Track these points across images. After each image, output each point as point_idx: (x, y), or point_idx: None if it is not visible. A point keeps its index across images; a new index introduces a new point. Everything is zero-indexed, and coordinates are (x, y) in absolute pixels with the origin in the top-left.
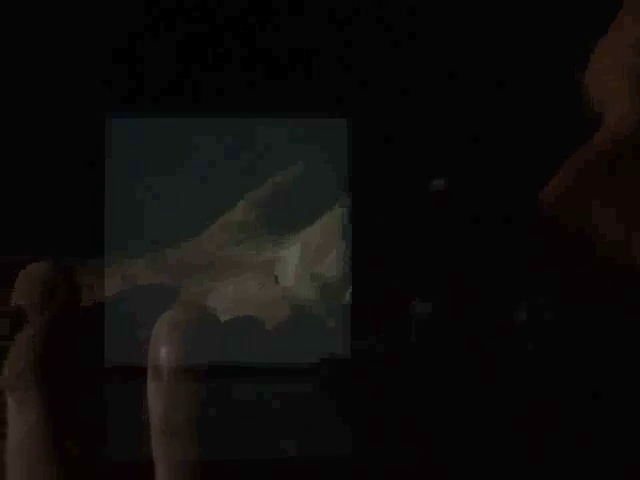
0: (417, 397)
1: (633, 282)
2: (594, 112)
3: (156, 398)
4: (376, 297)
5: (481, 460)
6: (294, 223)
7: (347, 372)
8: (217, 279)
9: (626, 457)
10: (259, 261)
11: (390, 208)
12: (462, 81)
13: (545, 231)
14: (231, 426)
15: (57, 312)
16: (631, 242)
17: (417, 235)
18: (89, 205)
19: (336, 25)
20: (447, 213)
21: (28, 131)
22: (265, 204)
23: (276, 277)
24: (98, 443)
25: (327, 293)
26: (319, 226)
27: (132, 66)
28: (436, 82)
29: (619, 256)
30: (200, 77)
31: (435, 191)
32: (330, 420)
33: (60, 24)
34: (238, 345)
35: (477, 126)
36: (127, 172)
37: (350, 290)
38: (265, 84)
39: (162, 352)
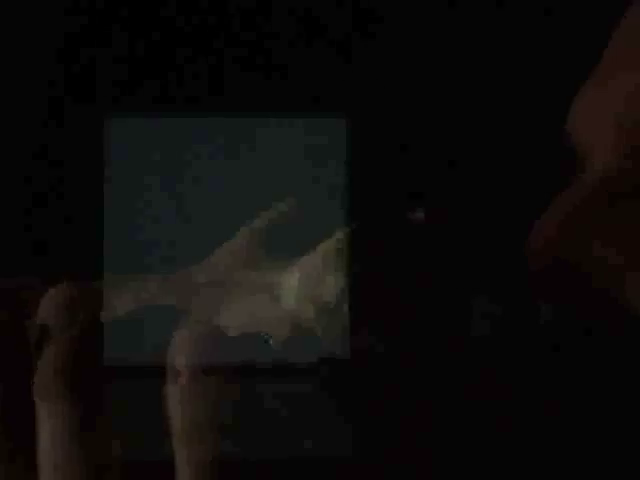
0: (419, 397)
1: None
2: (576, 153)
3: (176, 402)
4: (375, 295)
5: (483, 460)
6: (295, 248)
7: (346, 372)
8: (224, 300)
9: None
10: (262, 284)
11: (390, 219)
12: (461, 80)
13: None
14: (232, 427)
15: (80, 329)
16: (625, 278)
17: (417, 244)
18: (90, 217)
19: (336, 25)
20: (448, 226)
21: (19, 135)
22: (268, 231)
23: (277, 299)
24: (115, 444)
25: (325, 313)
26: (319, 251)
27: (131, 65)
28: (437, 82)
29: (614, 289)
30: (199, 76)
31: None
32: (330, 420)
33: (55, 21)
34: (245, 358)
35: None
36: (128, 181)
37: (346, 309)
38: (265, 84)
39: (180, 363)
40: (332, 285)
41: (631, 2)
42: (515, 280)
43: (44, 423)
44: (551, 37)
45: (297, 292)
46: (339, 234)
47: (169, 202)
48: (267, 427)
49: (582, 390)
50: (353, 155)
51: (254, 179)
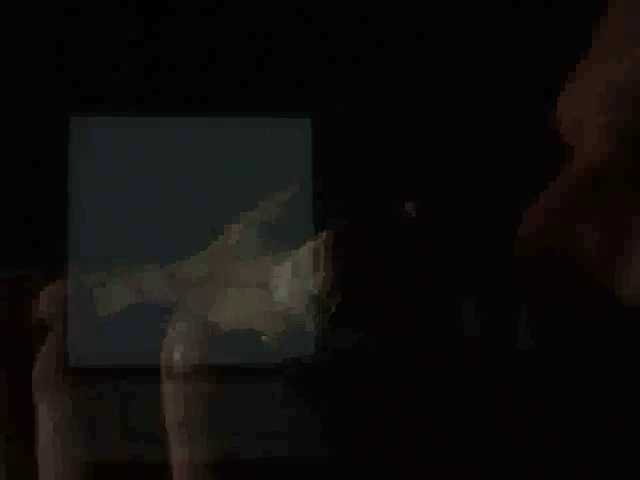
0: (399, 396)
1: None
2: (564, 139)
3: (170, 400)
4: (354, 297)
5: (462, 459)
6: (288, 242)
7: (317, 372)
8: (217, 296)
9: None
10: (255, 279)
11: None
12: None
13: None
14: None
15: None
16: (615, 262)
17: (398, 236)
18: (58, 213)
19: (303, 22)
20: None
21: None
22: (260, 225)
23: (270, 294)
24: (115, 444)
25: (316, 308)
26: (309, 247)
27: (104, 64)
28: (412, 75)
29: (604, 275)
30: (163, 77)
31: (407, 212)
32: (302, 420)
33: (32, 18)
34: (237, 354)
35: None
36: (98, 175)
37: (337, 303)
38: (235, 84)
39: (173, 358)
40: (322, 280)
41: None
42: (505, 280)
43: (43, 417)
44: (535, 27)
45: (289, 287)
46: (328, 230)
47: (139, 202)
48: (256, 427)
49: (578, 388)
50: (338, 153)
51: (228, 180)
